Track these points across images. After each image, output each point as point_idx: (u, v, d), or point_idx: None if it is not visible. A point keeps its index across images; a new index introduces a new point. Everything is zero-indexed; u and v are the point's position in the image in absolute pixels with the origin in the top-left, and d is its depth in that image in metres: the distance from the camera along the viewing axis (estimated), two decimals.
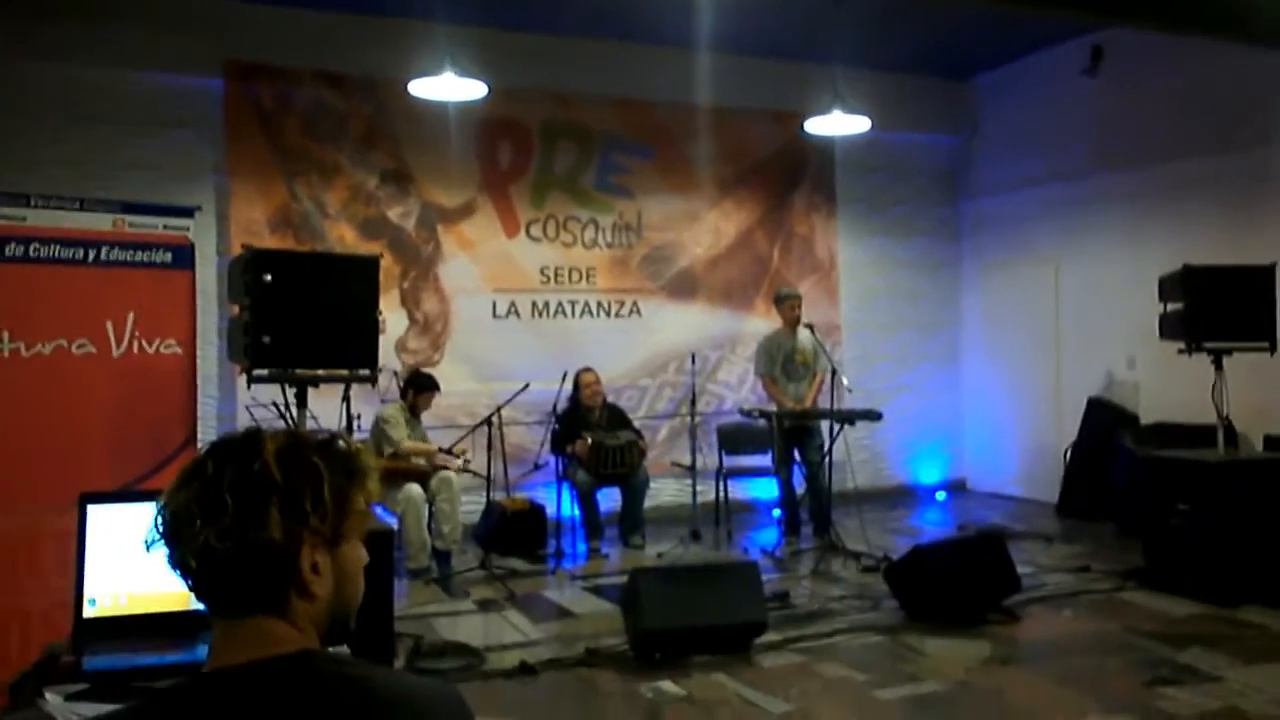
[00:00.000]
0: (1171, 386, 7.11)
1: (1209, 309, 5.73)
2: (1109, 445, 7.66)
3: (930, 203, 9.74)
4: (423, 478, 6.34)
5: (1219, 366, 5.80)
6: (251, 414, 6.50)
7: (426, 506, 6.26)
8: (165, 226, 4.58)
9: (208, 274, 6.86)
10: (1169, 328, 5.90)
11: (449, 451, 6.69)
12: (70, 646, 2.06)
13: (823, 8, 7.07)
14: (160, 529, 1.16)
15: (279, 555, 1.15)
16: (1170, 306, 5.88)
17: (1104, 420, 7.96)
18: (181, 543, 1.14)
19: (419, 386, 6.63)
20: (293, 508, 1.15)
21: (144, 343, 4.40)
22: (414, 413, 6.60)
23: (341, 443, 1.27)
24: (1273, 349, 5.78)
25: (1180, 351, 5.85)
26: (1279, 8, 6.02)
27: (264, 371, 4.25)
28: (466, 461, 6.68)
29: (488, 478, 6.68)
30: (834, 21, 7.11)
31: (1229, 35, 6.61)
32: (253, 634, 1.15)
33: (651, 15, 7.32)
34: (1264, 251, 6.15)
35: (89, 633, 2.11)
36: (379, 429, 6.40)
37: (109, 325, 4.37)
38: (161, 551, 1.17)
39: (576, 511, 7.08)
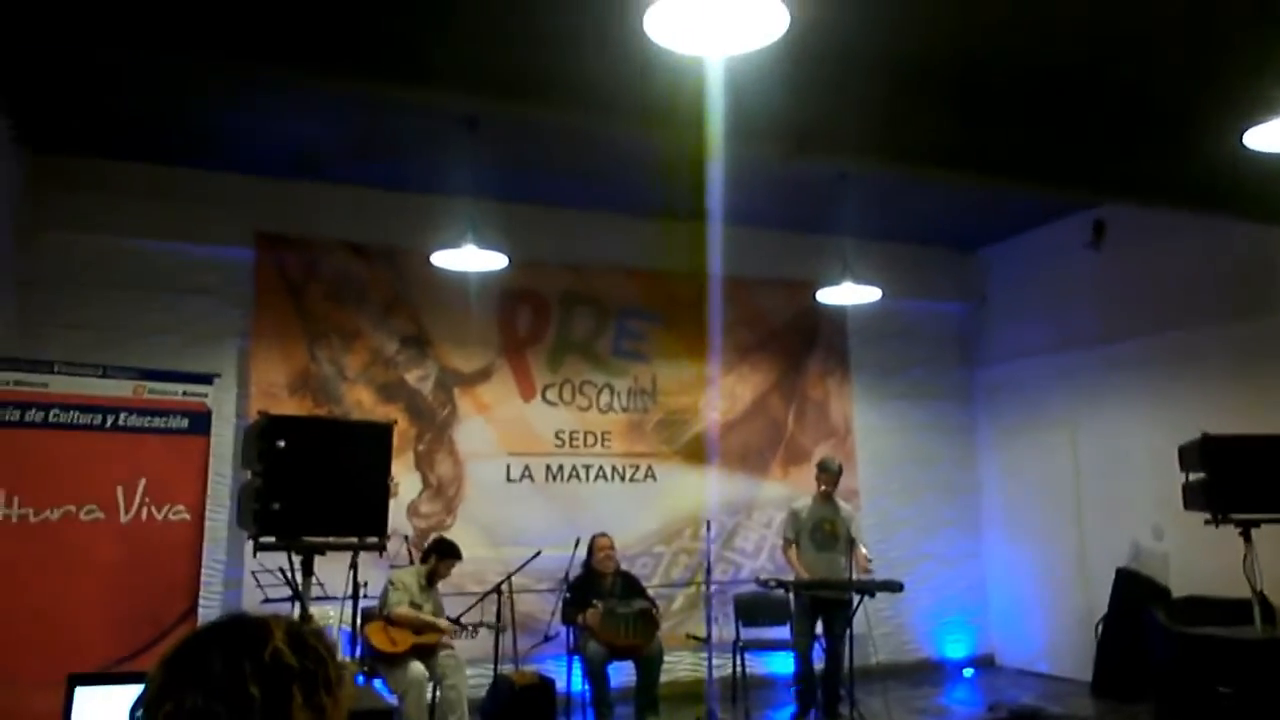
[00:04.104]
0: (1202, 557, 6.90)
1: (1232, 479, 5.63)
2: (1141, 619, 7.37)
3: (944, 367, 9.79)
4: (425, 653, 6.12)
5: (1248, 538, 5.65)
6: (258, 580, 6.38)
7: (430, 687, 6.04)
8: (185, 393, 4.63)
9: (226, 436, 6.89)
10: (1192, 498, 5.79)
11: (456, 621, 6.50)
12: None
13: (831, 182, 7.30)
14: None
15: None
16: (1192, 476, 5.78)
17: (1134, 593, 7.70)
18: None
19: (442, 553, 6.45)
20: (310, 694, 1.11)
21: (154, 509, 4.38)
22: (431, 581, 6.43)
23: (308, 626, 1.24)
24: None
25: (1207, 522, 5.71)
26: (1275, 191, 6.18)
27: (271, 539, 4.19)
28: (469, 627, 6.48)
29: (495, 649, 6.48)
30: (842, 195, 7.33)
31: (1231, 215, 6.77)
32: None
33: (665, 190, 7.58)
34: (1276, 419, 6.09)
35: None
36: (385, 592, 6.26)
37: (119, 490, 4.35)
38: None
39: (587, 686, 6.80)
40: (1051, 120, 5.80)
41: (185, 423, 4.57)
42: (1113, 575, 7.96)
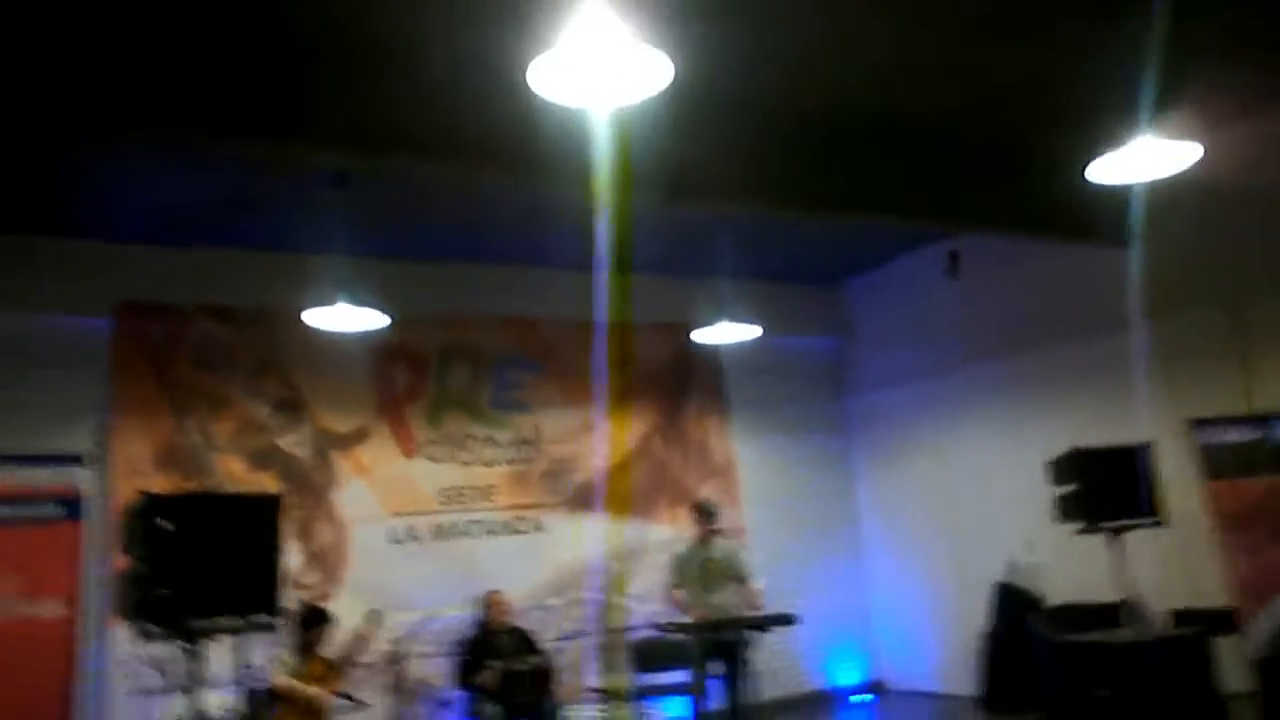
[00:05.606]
0: (1071, 566, 7.25)
1: (1101, 489, 5.94)
2: (1021, 631, 7.68)
3: (818, 400, 10.06)
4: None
5: (1118, 544, 5.96)
6: (129, 671, 5.99)
7: None
8: (52, 477, 4.29)
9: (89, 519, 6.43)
10: (1066, 509, 6.06)
11: (347, 696, 6.23)
12: None
13: (700, 225, 7.43)
14: None
15: None
16: (1064, 489, 6.07)
17: (1012, 605, 8.01)
18: None
19: (308, 623, 6.19)
20: None
21: (25, 607, 4.02)
22: (309, 650, 6.13)
23: None
24: (1163, 522, 6.00)
25: (1080, 532, 6.00)
26: (1117, 217, 6.65)
27: (154, 628, 3.92)
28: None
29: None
30: (712, 237, 7.48)
31: (1076, 241, 7.23)
32: None
33: (541, 238, 7.56)
34: (1133, 429, 6.46)
35: None
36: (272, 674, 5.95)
37: None
38: None
39: None
40: (912, 160, 6.09)
41: (59, 510, 4.23)
42: (990, 591, 8.28)
